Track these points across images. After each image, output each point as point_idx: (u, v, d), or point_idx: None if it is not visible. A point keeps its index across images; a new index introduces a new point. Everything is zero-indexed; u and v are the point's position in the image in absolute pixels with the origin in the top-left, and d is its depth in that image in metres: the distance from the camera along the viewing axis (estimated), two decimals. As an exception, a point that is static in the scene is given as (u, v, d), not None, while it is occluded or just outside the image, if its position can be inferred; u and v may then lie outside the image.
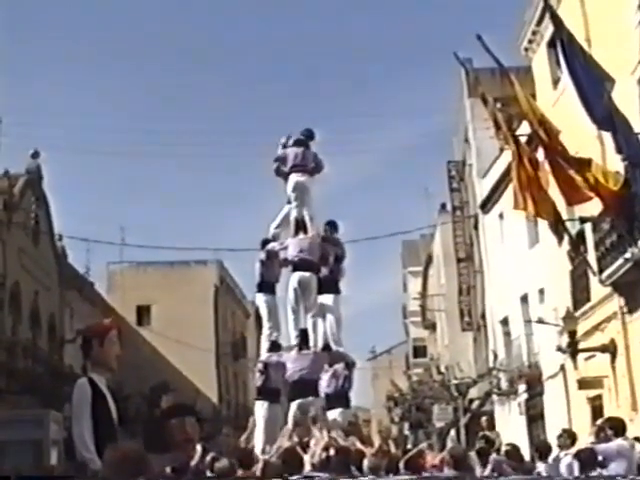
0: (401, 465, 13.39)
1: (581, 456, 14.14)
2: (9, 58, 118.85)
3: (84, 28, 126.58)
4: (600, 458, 13.65)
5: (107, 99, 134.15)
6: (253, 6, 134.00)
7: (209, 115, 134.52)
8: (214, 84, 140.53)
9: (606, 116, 15.78)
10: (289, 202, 20.99)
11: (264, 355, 20.21)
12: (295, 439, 15.90)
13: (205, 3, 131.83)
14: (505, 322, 36.37)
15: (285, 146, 21.21)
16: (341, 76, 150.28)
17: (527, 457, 17.79)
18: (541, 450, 15.45)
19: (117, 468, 6.40)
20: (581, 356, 24.96)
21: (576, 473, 14.40)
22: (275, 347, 20.20)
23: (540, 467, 15.08)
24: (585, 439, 16.37)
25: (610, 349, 23.06)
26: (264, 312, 20.85)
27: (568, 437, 15.83)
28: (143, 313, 62.09)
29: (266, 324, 20.80)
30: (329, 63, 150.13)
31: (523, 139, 17.92)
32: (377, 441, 15.14)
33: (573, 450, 15.03)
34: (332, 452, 13.87)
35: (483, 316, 40.46)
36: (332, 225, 21.13)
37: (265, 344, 20.54)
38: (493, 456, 15.23)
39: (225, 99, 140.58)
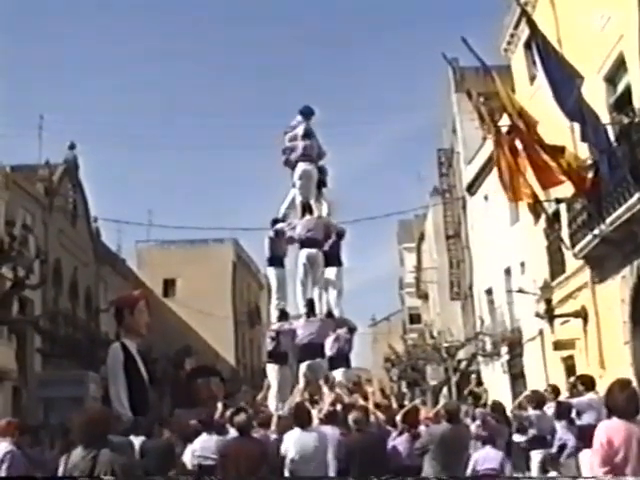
0: (398, 418, 13.50)
1: (560, 407, 14.26)
2: (50, 59, 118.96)
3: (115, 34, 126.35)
4: (574, 411, 13.80)
5: (131, 99, 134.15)
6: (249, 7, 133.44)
7: (219, 110, 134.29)
8: (224, 83, 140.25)
9: (576, 109, 15.83)
10: (294, 187, 21.16)
11: (276, 323, 20.33)
12: (306, 396, 16.01)
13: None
14: (489, 292, 36.48)
15: (296, 138, 21.31)
16: (344, 75, 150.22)
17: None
18: (537, 400, 15.44)
19: (83, 429, 6.58)
20: (557, 321, 25.07)
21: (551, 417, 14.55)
22: (283, 315, 20.36)
23: (532, 414, 15.13)
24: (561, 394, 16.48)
25: (582, 315, 23.14)
26: (274, 284, 21.01)
27: (552, 391, 15.87)
28: (169, 286, 62.27)
29: (275, 294, 20.96)
30: (332, 60, 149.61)
31: (504, 129, 17.93)
32: (372, 398, 15.12)
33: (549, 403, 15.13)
34: (339, 407, 13.99)
35: (470, 287, 40.51)
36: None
37: (275, 312, 20.69)
38: (479, 410, 15.32)
39: (232, 95, 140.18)
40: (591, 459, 7.24)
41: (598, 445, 6.75)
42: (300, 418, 11.80)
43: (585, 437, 13.17)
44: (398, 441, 12.77)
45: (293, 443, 11.44)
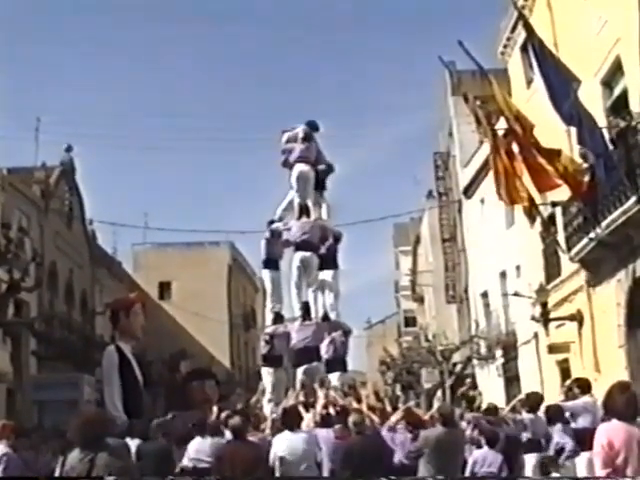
0: (394, 418, 13.49)
1: (549, 412, 14.24)
2: (47, 62, 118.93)
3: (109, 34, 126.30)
4: (568, 414, 13.77)
5: (128, 102, 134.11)
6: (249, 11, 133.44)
7: (215, 112, 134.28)
8: (221, 84, 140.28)
9: (573, 113, 15.83)
10: (292, 188, 21.10)
11: (270, 326, 20.29)
12: (301, 399, 16.00)
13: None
14: (485, 295, 36.48)
15: (295, 140, 21.24)
16: (342, 78, 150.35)
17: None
18: (531, 405, 15.31)
19: (80, 431, 6.56)
20: (552, 324, 25.04)
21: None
22: (278, 318, 20.32)
23: (526, 418, 15.02)
24: (556, 397, 16.41)
25: (577, 318, 23.14)
26: (268, 286, 20.98)
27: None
28: (164, 288, 62.08)
29: (269, 297, 20.93)
30: (330, 64, 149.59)
31: (501, 133, 17.90)
32: (366, 401, 15.13)
33: (542, 406, 15.04)
34: (331, 410, 13.98)
35: (466, 290, 40.51)
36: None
37: (269, 315, 20.65)
38: (471, 414, 15.28)
39: (230, 97, 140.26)
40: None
41: (599, 447, 6.74)
42: (289, 421, 11.85)
43: (581, 440, 13.20)
44: (398, 439, 12.74)
45: (283, 445, 11.47)
